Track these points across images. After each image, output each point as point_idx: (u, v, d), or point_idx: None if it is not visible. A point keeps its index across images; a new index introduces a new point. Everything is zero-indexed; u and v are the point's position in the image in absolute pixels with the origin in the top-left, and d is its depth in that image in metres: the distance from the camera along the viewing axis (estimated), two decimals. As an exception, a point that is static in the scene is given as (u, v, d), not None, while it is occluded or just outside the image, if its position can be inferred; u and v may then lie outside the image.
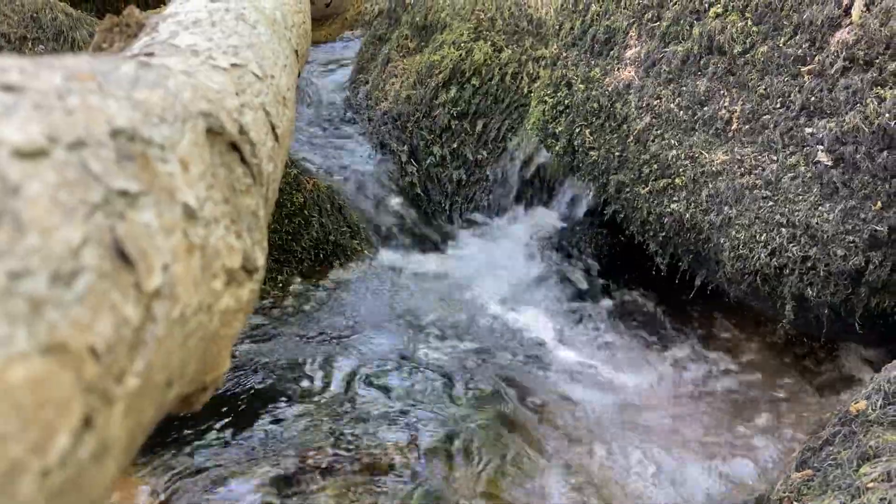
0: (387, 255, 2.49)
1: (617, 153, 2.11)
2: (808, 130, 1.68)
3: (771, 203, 1.73)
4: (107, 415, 0.35)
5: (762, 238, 1.73)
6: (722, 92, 1.87)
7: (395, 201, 2.75)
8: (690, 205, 1.89)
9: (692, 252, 1.94)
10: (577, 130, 2.26)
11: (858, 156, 1.58)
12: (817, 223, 1.64)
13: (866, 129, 1.57)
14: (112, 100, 0.47)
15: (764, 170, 1.75)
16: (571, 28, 2.31)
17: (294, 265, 2.28)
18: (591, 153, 2.20)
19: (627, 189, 2.08)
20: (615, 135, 2.12)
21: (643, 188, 2.02)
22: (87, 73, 0.48)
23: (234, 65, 0.81)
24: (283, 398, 1.73)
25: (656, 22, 2.04)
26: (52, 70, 0.44)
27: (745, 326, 2.08)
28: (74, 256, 0.34)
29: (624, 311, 2.21)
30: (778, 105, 1.74)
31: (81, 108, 0.42)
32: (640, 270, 2.26)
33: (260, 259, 0.67)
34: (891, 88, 1.55)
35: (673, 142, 1.95)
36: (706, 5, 1.92)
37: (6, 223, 0.32)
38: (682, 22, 1.97)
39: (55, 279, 0.33)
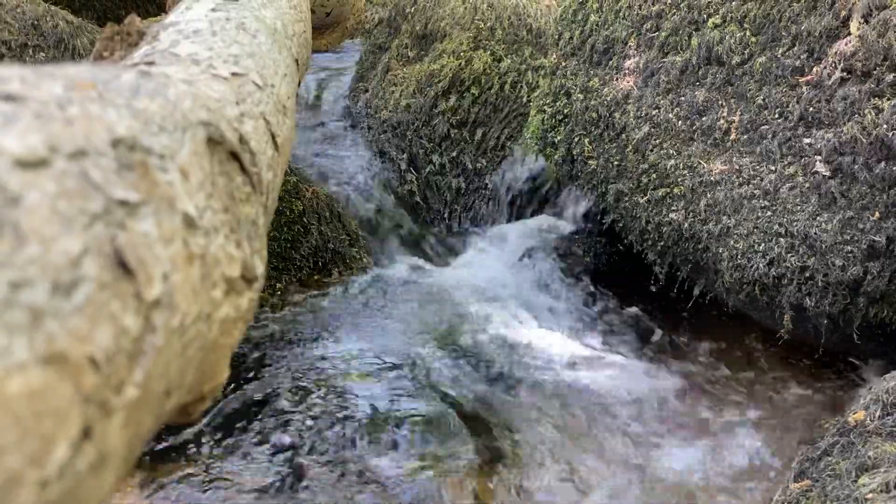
0: (386, 263, 2.49)
1: (616, 162, 2.11)
2: (807, 141, 1.69)
3: (769, 213, 1.73)
4: (105, 425, 0.35)
5: (760, 248, 1.73)
6: (720, 102, 1.87)
7: (395, 209, 2.75)
8: (689, 214, 1.89)
9: (691, 261, 1.94)
10: (576, 140, 2.26)
11: (856, 166, 1.59)
12: (815, 233, 1.64)
13: (864, 140, 1.57)
14: (112, 109, 0.48)
15: (762, 180, 1.75)
16: (571, 38, 2.32)
17: (293, 273, 2.28)
18: (590, 162, 2.21)
19: (626, 198, 2.09)
20: (614, 144, 2.12)
21: (642, 197, 2.02)
22: (87, 82, 0.48)
23: (234, 74, 0.82)
24: (277, 408, 1.73)
25: (655, 32, 2.05)
26: (53, 79, 0.44)
27: (742, 335, 2.08)
28: (74, 266, 0.34)
29: (623, 319, 2.21)
30: (776, 115, 1.75)
31: (82, 118, 0.42)
32: (639, 278, 2.26)
33: (259, 268, 0.67)
34: (888, 99, 1.56)
35: (671, 151, 1.95)
36: (705, 16, 1.93)
37: (7, 233, 0.32)
38: (680, 32, 1.98)
39: (55, 289, 0.33)
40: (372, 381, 1.85)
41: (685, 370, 1.99)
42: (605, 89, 2.17)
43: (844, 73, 1.63)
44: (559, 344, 2.08)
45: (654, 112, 2.01)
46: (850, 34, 1.63)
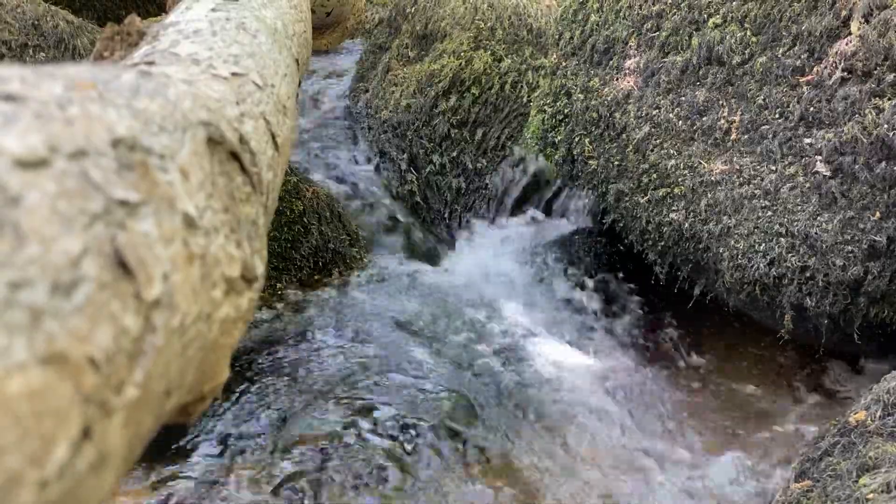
0: (386, 263, 2.49)
1: (616, 162, 2.11)
2: (807, 141, 1.69)
3: (770, 213, 1.73)
4: (105, 425, 0.35)
5: (761, 248, 1.73)
6: (721, 102, 1.87)
7: (395, 209, 2.75)
8: (689, 214, 1.89)
9: (691, 262, 1.94)
10: (577, 140, 2.26)
11: (857, 166, 1.59)
12: (816, 233, 1.64)
13: (865, 140, 1.57)
14: (112, 109, 0.48)
15: (763, 180, 1.75)
16: (571, 38, 2.32)
17: (293, 273, 2.28)
18: (591, 162, 2.21)
19: (626, 198, 2.08)
20: (614, 144, 2.12)
21: (642, 197, 2.02)
22: (87, 82, 0.48)
23: (234, 74, 0.82)
24: (275, 408, 1.73)
25: (655, 32, 2.04)
26: (53, 79, 0.44)
27: (744, 336, 2.07)
28: (74, 266, 0.34)
29: (621, 320, 2.21)
30: (777, 115, 1.75)
31: (82, 118, 0.42)
32: (639, 279, 2.26)
33: (259, 268, 0.67)
34: (889, 99, 1.56)
35: (672, 151, 1.95)
36: (705, 16, 1.93)
37: (7, 233, 0.31)
38: (681, 32, 1.98)
39: (55, 289, 0.33)
40: (372, 381, 1.85)
41: (685, 371, 1.99)
42: (606, 89, 2.17)
43: (845, 73, 1.63)
44: (556, 344, 2.08)
45: (654, 112, 2.01)
46: (850, 34, 1.63)
